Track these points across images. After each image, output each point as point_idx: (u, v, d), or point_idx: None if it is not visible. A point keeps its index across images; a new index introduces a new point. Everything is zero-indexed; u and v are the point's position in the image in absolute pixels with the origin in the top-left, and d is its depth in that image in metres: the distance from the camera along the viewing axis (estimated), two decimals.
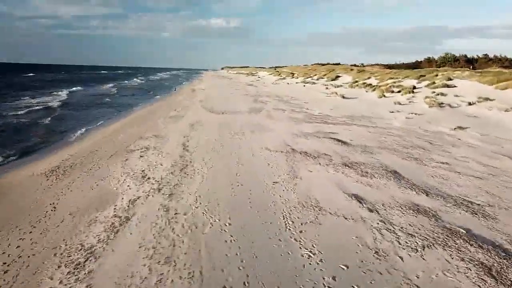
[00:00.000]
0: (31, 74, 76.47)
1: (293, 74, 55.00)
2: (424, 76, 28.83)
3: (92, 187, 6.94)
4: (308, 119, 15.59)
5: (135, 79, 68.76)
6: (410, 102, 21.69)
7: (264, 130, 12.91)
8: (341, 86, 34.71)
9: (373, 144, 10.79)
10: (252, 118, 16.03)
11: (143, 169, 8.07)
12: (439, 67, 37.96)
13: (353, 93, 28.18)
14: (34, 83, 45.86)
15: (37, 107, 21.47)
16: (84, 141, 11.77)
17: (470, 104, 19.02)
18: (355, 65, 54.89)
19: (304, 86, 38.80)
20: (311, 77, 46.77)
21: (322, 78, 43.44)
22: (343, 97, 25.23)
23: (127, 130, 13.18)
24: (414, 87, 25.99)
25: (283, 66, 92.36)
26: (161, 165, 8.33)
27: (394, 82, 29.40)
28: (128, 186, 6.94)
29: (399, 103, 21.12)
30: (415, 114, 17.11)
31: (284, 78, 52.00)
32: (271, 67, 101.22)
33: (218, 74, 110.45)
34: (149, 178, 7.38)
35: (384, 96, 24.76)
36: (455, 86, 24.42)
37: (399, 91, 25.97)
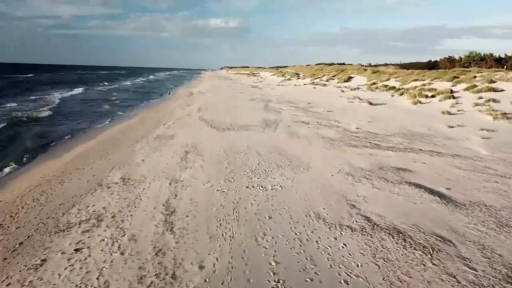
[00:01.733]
0: (30, 75, 71.34)
1: (298, 74, 50.23)
2: (458, 77, 24.15)
3: None
4: (348, 140, 10.84)
5: (135, 80, 63.94)
6: (459, 111, 17.00)
7: (296, 164, 8.14)
8: (357, 88, 29.97)
9: (494, 200, 6.04)
10: (270, 138, 11.25)
11: None
12: (464, 67, 33.33)
13: (378, 97, 23.45)
14: (31, 85, 41.07)
15: (20, 117, 16.60)
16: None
17: None
18: (361, 65, 50.16)
19: (314, 88, 34.03)
20: (319, 78, 42.02)
21: (332, 79, 38.71)
22: (370, 103, 20.49)
23: (86, 166, 8.34)
24: (452, 91, 21.36)
25: (285, 66, 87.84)
26: None
27: (424, 85, 24.70)
28: None
29: (448, 113, 16.40)
30: (486, 130, 12.40)
31: (289, 79, 47.21)
32: (272, 67, 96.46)
33: (218, 74, 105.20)
34: None
35: (420, 102, 20.07)
36: (502, 90, 19.79)
37: (433, 96, 21.33)
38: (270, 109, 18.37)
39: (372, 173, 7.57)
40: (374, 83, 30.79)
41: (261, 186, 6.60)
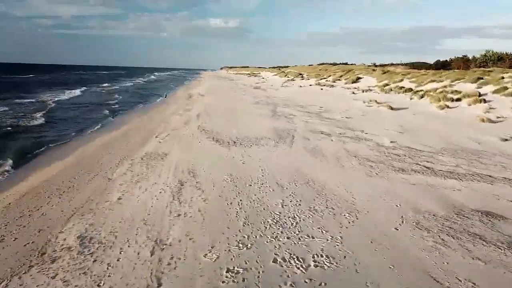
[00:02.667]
0: (30, 75, 68.59)
1: (301, 75, 47.71)
2: (482, 78, 21.64)
3: None
4: (389, 160, 8.31)
5: (136, 80, 61.53)
6: (499, 118, 14.49)
7: (336, 205, 5.62)
8: (369, 90, 27.44)
9: None
10: (288, 156, 8.72)
11: None
12: (480, 67, 30.83)
13: (395, 100, 20.96)
14: (29, 86, 38.29)
15: (7, 127, 14.09)
16: None
17: None
18: (367, 65, 47.62)
19: (322, 89, 31.49)
20: (324, 78, 39.49)
21: (339, 79, 36.17)
22: (391, 107, 17.97)
23: (35, 212, 5.66)
24: (479, 94, 18.87)
25: (285, 66, 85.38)
26: None
27: (445, 87, 22.17)
28: None
29: (490, 120, 13.90)
30: None
31: (292, 80, 44.67)
32: (272, 67, 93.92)
33: (218, 74, 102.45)
34: None
35: (447, 106, 17.55)
36: None
37: (458, 99, 18.89)
38: (280, 115, 15.83)
39: (452, 223, 5.05)
40: (387, 84, 28.28)
41: (297, 259, 4.05)
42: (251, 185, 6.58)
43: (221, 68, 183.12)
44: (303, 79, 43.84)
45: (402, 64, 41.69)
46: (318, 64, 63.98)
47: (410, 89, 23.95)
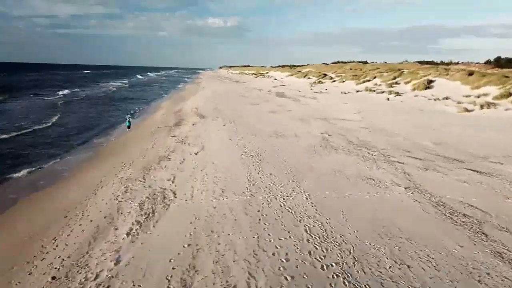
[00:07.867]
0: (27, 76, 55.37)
1: (326, 75, 35.27)
2: None
3: None
4: None
5: (117, 82, 47.72)
6: None
7: None
8: (491, 104, 15.15)
9: None
10: None
11: None
12: None
13: None
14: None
15: None
16: None
17: None
18: (419, 63, 35.20)
19: (388, 99, 19.23)
20: (367, 80, 27.25)
21: (396, 83, 23.91)
22: None
23: None
24: None
25: (292, 65, 72.66)
26: None
27: None
28: None
29: None
30: None
31: (319, 82, 32.28)
32: (279, 66, 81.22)
33: (218, 74, 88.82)
34: None
35: None
36: None
37: None
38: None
39: None
40: (510, 94, 16.09)
41: None
42: None
43: (220, 68, 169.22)
44: (333, 81, 31.44)
45: (471, 64, 29.37)
46: (333, 63, 51.61)
47: None
